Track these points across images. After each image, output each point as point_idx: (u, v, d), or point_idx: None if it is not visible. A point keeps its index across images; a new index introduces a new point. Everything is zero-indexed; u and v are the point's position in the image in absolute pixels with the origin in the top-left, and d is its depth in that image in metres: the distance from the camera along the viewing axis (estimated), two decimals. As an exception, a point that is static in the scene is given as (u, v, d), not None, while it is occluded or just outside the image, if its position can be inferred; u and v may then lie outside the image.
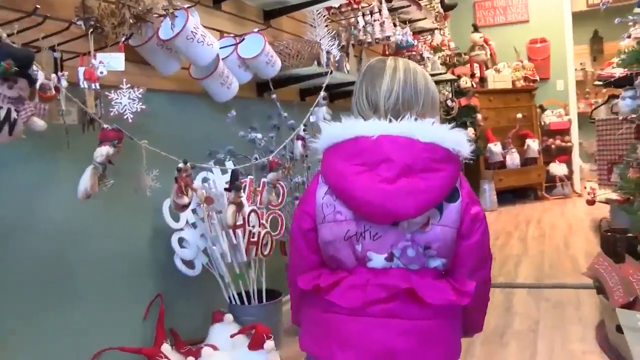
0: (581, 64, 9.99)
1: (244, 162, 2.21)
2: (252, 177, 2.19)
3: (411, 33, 4.24)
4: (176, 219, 2.04)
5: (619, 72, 4.93)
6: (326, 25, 3.04)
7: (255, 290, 2.22)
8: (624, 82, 4.76)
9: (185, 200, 1.68)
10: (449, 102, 5.89)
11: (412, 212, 1.13)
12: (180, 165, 1.68)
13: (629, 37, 7.27)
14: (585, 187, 5.53)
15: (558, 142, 6.93)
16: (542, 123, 7.02)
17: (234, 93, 2.23)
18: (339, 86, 2.98)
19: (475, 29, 7.13)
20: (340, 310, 1.18)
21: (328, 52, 2.68)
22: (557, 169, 6.84)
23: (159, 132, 2.06)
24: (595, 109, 4.97)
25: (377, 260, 1.18)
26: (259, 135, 2.31)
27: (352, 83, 3.00)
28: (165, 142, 1.89)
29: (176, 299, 2.12)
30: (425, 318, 1.17)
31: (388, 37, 3.44)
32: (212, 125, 2.41)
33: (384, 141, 1.15)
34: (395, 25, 3.77)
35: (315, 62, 2.64)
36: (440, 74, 5.27)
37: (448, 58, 6.17)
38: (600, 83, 5.32)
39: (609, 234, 3.71)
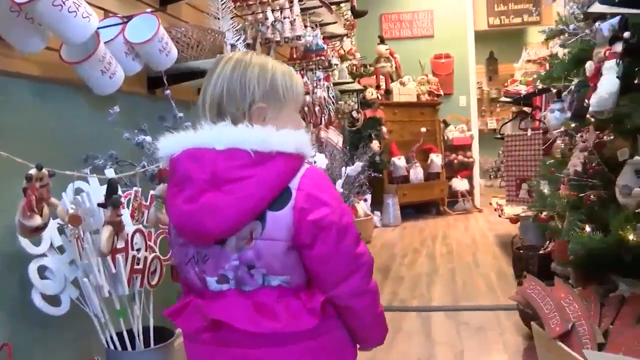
0: (478, 82, 10.25)
1: (129, 170, 1.79)
2: (138, 188, 1.77)
3: (321, 36, 3.97)
4: (36, 242, 1.59)
5: (524, 89, 4.97)
6: (232, 18, 2.67)
7: (141, 329, 1.79)
8: (527, 99, 4.80)
9: (37, 221, 1.26)
10: (355, 114, 5.70)
11: (220, 232, 1.03)
12: (32, 172, 1.25)
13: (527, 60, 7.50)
14: (490, 203, 5.51)
15: (460, 157, 6.96)
16: (445, 138, 7.03)
17: (118, 84, 1.81)
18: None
19: (382, 40, 7.04)
20: (185, 336, 1.16)
21: (233, 46, 2.32)
22: (459, 184, 6.86)
23: (16, 130, 1.60)
24: (503, 125, 4.96)
25: (211, 283, 1.09)
26: (149, 139, 1.90)
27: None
28: (24, 142, 1.46)
29: (33, 348, 1.66)
30: (261, 346, 1.06)
31: (298, 37, 3.13)
32: (90, 123, 1.97)
33: (183, 158, 1.06)
34: (305, 26, 3.48)
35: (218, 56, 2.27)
36: (347, 82, 5.05)
37: (354, 68, 5.99)
38: (507, 100, 5.35)
39: (521, 251, 3.60)
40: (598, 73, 1.94)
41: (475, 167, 7.17)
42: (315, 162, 3.58)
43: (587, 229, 2.00)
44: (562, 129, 2.56)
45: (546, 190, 3.34)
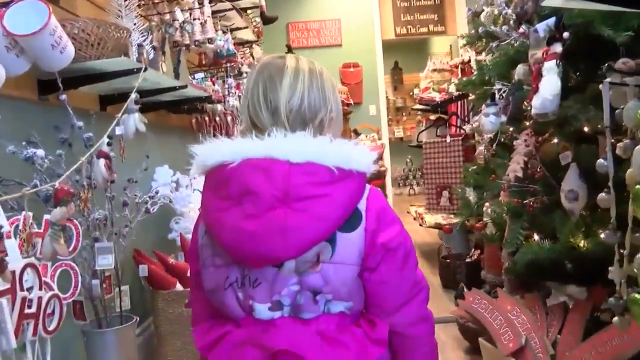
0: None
1: (16, 191, 1.46)
2: (28, 213, 1.45)
3: (232, 42, 3.72)
4: None
5: (438, 96, 4.97)
6: (136, 17, 2.37)
7: (35, 386, 1.46)
8: (442, 106, 4.81)
9: None
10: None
11: (286, 255, 0.94)
12: None
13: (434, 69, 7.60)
14: (408, 212, 5.46)
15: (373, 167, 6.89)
16: (358, 147, 6.95)
17: (-2, 87, 1.48)
18: (153, 93, 2.32)
19: (289, 49, 6.86)
20: None
21: (140, 46, 2.03)
22: (373, 193, 6.79)
23: None
24: (420, 132, 4.91)
25: (261, 310, 0.99)
26: (41, 152, 1.58)
27: (170, 89, 2.36)
28: None
29: None
30: None
31: (210, 40, 2.87)
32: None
33: (246, 168, 0.95)
34: (216, 30, 3.22)
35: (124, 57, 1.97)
36: (260, 92, 4.82)
37: (265, 77, 5.76)
38: (420, 107, 5.34)
39: (448, 260, 3.52)
40: (539, 74, 1.84)
41: (388, 175, 7.14)
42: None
43: (535, 237, 1.89)
44: (489, 135, 2.47)
45: (472, 198, 3.28)
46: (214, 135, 4.01)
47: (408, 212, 5.43)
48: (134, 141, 2.73)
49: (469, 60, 4.81)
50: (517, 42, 2.17)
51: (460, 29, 6.92)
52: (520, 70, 2.20)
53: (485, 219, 2.93)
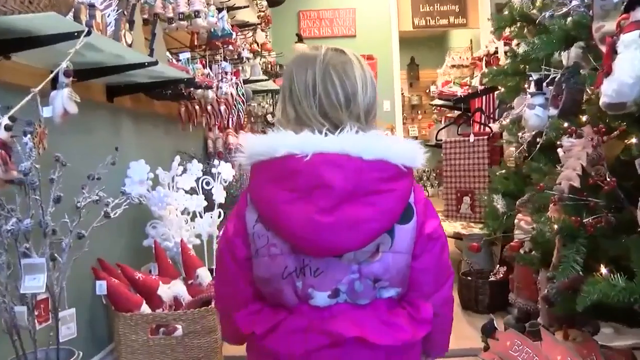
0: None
1: None
2: None
3: (229, 21, 3.28)
4: None
5: (460, 90, 4.49)
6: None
7: None
8: (464, 102, 4.33)
9: None
10: (270, 117, 5.03)
11: (356, 245, 0.99)
12: None
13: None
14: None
15: (386, 166, 6.43)
16: (370, 146, 6.49)
17: None
18: (117, 70, 1.88)
19: (300, 39, 6.42)
20: (280, 358, 1.04)
21: (92, 7, 1.57)
22: (385, 195, 6.33)
23: None
24: (440, 130, 4.43)
25: (320, 298, 1.03)
26: None
27: (138, 65, 1.91)
28: None
29: None
30: (392, 358, 1.04)
31: (197, 13, 2.43)
32: None
33: (318, 162, 0.97)
34: (208, 4, 2.77)
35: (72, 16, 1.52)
36: (261, 80, 4.35)
37: (269, 66, 5.31)
38: (440, 103, 4.87)
39: (469, 278, 3.05)
40: (611, 52, 1.38)
41: (401, 177, 6.68)
42: (219, 173, 2.88)
43: (603, 270, 1.42)
44: (533, 131, 2.00)
45: (500, 207, 2.81)
46: (208, 127, 3.57)
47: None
48: (103, 130, 2.31)
49: (495, 52, 4.33)
50: (574, 14, 1.70)
51: (482, 21, 6.42)
52: (576, 50, 1.74)
53: (516, 233, 2.47)
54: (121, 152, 2.47)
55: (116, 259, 2.35)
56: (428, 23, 7.23)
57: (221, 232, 1.24)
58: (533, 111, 1.74)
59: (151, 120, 2.81)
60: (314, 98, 1.03)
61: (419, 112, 10.95)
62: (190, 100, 2.87)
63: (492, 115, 3.89)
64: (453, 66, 8.50)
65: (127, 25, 1.79)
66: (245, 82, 3.82)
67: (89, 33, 1.36)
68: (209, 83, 2.69)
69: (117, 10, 1.84)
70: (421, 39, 10.13)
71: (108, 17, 1.69)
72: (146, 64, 1.82)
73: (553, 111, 1.77)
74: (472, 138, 3.51)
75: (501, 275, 2.99)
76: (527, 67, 2.76)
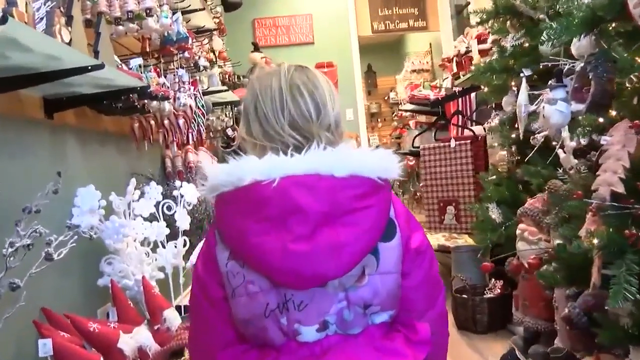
0: (358, 96, 9.68)
1: None
2: None
3: (185, 26, 2.95)
4: None
5: (432, 93, 4.26)
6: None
7: None
8: (438, 105, 4.10)
9: None
10: (230, 131, 4.68)
11: (340, 271, 0.92)
12: None
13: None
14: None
15: (353, 177, 6.17)
16: (335, 156, 6.23)
17: None
18: (53, 77, 1.53)
19: (256, 48, 6.12)
20: None
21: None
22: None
23: None
24: (416, 136, 4.18)
25: (308, 333, 0.95)
26: None
27: (80, 70, 1.56)
28: None
29: None
30: None
31: (149, 12, 2.10)
32: None
33: (287, 185, 0.91)
34: (160, 5, 2.44)
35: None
36: (220, 91, 4.01)
37: (227, 76, 4.98)
38: (411, 108, 4.64)
39: (464, 295, 2.79)
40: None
41: (369, 187, 6.43)
42: (182, 195, 2.55)
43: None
44: (555, 129, 1.75)
45: (496, 216, 2.56)
46: (165, 144, 3.22)
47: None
48: (41, 152, 1.95)
49: (467, 52, 4.13)
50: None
51: (443, 24, 6.26)
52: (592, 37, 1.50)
53: (519, 247, 2.22)
54: (66, 178, 2.12)
55: (66, 305, 1.98)
56: (387, 27, 7.02)
57: (192, 271, 1.12)
58: (555, 107, 1.49)
59: (100, 138, 2.46)
60: (282, 111, 0.98)
61: (379, 120, 10.77)
62: (145, 114, 2.53)
63: (471, 118, 3.66)
64: (413, 71, 8.36)
65: (64, 20, 1.44)
66: (204, 93, 3.49)
67: (3, 20, 1.02)
68: (166, 93, 2.35)
69: (50, 3, 1.49)
70: (377, 45, 9.97)
71: (38, 10, 1.35)
72: (90, 67, 1.47)
73: (576, 106, 1.52)
74: (453, 143, 3.26)
75: (498, 290, 2.75)
76: (516, 63, 2.56)
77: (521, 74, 2.15)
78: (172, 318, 1.95)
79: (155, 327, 1.93)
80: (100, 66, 1.50)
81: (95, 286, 2.12)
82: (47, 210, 1.77)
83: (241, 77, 5.62)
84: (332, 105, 1.01)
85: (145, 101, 2.38)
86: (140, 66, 2.22)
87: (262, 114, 0.99)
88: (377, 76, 10.73)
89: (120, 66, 2.09)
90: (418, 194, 8.22)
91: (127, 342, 1.75)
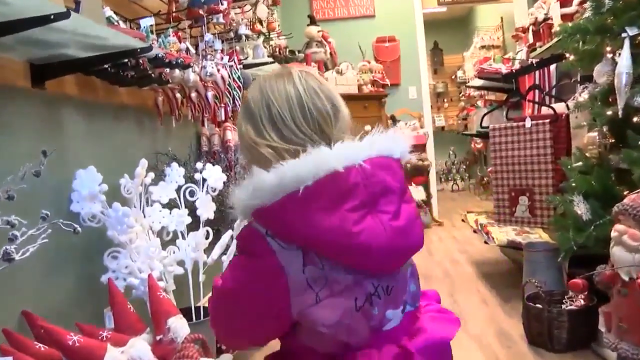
0: (423, 75, 9.14)
1: None
2: None
3: (219, -12, 2.59)
4: None
5: (504, 67, 3.75)
6: None
7: None
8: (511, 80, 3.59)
9: None
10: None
11: (421, 243, 0.99)
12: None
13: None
14: (463, 220, 4.27)
15: (414, 160, 5.70)
16: (395, 137, 5.78)
17: None
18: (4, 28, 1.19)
19: (312, 21, 5.75)
20: None
21: None
22: (414, 192, 5.61)
23: None
24: (488, 113, 3.69)
25: (396, 316, 0.97)
26: None
27: (36, 21, 1.21)
28: None
29: None
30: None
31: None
32: None
33: (372, 168, 0.93)
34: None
35: None
36: (266, 64, 3.62)
37: (279, 50, 4.61)
38: (479, 84, 4.14)
39: (538, 305, 2.33)
40: None
41: (432, 171, 5.96)
42: (204, 179, 2.21)
43: None
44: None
45: (583, 212, 2.09)
46: (198, 120, 2.88)
47: (463, 221, 4.25)
48: (27, 128, 1.65)
49: (545, 20, 3.58)
50: None
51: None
52: None
53: (615, 253, 1.75)
54: (66, 159, 1.82)
55: (68, 304, 1.70)
56: (455, -1, 6.45)
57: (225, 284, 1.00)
58: None
59: (113, 114, 2.15)
60: (303, 115, 0.97)
61: (445, 100, 10.17)
62: (163, 85, 2.20)
63: (550, 94, 3.15)
64: (482, 47, 7.73)
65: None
66: (247, 67, 3.14)
67: None
68: (186, 60, 2.01)
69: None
70: (444, 21, 9.38)
71: None
72: (52, 16, 1.13)
73: None
74: (528, 122, 2.78)
75: (581, 302, 2.27)
76: (616, 21, 2.06)
77: (623, 34, 1.69)
78: (178, 327, 1.61)
79: (158, 338, 1.60)
80: (65, 14, 1.15)
81: (98, 285, 1.83)
82: (44, 196, 1.49)
83: (296, 52, 5.25)
84: (343, 107, 1.03)
85: (164, 70, 2.05)
86: (150, 27, 1.87)
87: (279, 117, 0.97)
88: (443, 54, 10.10)
89: (116, 22, 1.75)
90: (485, 179, 7.72)
91: (116, 357, 1.43)
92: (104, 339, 1.54)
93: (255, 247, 0.93)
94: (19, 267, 1.56)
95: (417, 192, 5.60)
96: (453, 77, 9.85)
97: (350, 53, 5.88)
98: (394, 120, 5.88)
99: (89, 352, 1.41)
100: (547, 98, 3.09)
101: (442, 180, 9.28)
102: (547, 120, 2.71)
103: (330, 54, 5.73)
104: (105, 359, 1.41)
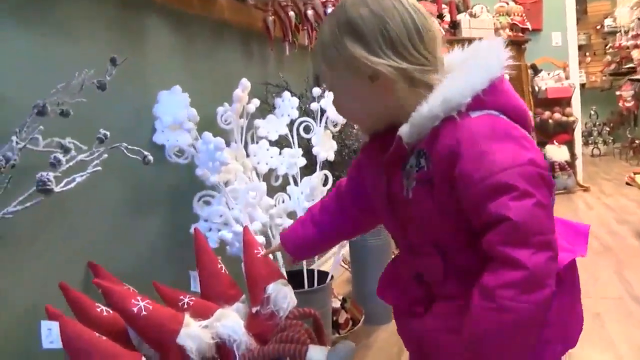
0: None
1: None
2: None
3: None
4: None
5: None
6: None
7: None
8: None
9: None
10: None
11: None
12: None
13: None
14: (629, 183, 3.55)
15: (557, 115, 4.95)
16: (536, 89, 5.04)
17: None
18: None
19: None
20: None
21: None
22: (557, 152, 4.87)
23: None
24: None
25: None
26: None
27: None
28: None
29: None
30: None
31: None
32: None
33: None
34: None
35: None
36: None
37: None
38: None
39: None
40: None
41: (577, 129, 5.16)
42: (323, 111, 1.78)
43: None
44: None
45: None
46: (294, 43, 2.40)
47: (628, 184, 3.53)
48: (96, 34, 1.28)
49: None
50: None
51: None
52: None
53: None
54: (149, 79, 1.45)
55: (134, 261, 1.35)
56: None
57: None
58: None
59: (209, 29, 1.76)
60: (418, 35, 0.87)
61: (587, 54, 9.01)
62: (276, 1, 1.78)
63: None
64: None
65: None
66: None
67: None
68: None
69: None
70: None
71: None
72: None
73: None
74: None
75: None
76: None
77: None
78: (281, 297, 1.19)
79: (254, 310, 1.20)
80: None
81: (186, 236, 1.46)
82: (116, 122, 1.15)
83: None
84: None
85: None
86: None
87: (399, 41, 0.86)
88: (587, 1, 8.92)
89: None
90: (637, 141, 6.71)
91: (195, 335, 1.04)
92: (185, 305, 1.17)
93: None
94: (85, 211, 1.22)
95: (559, 152, 4.87)
96: (598, 27, 8.69)
97: (485, -7, 5.18)
98: (535, 69, 5.12)
99: (158, 324, 1.03)
100: None
101: (582, 143, 8.27)
102: None
103: (463, -6, 5.07)
104: (180, 335, 1.03)
